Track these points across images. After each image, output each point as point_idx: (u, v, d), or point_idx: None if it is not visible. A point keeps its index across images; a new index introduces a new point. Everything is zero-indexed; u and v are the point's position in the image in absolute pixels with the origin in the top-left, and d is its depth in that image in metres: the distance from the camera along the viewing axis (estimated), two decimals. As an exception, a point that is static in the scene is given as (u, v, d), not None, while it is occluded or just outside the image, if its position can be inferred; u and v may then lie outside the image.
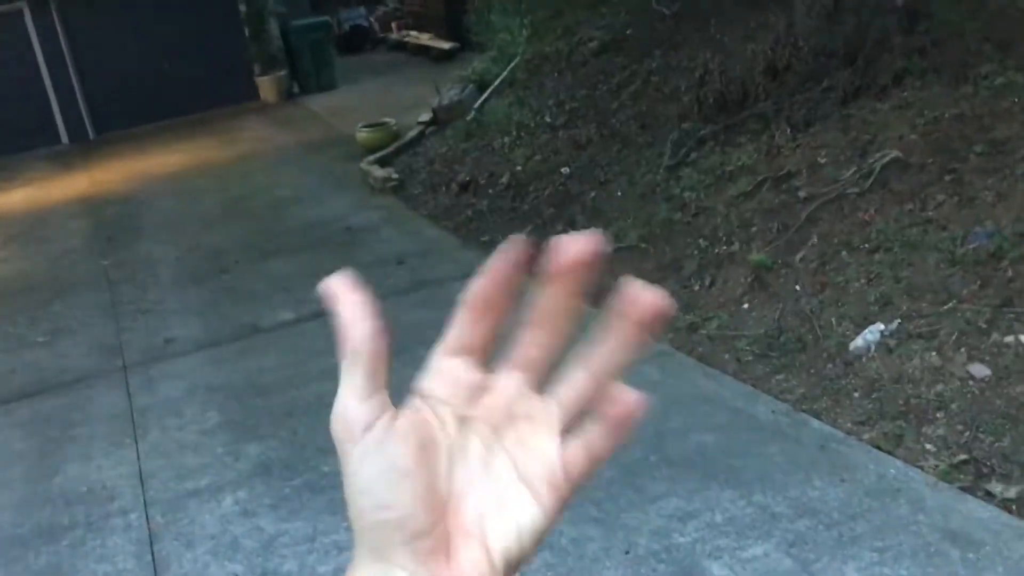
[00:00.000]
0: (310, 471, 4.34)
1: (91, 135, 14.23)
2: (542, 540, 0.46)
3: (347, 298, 0.47)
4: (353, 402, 0.46)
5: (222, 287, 7.19)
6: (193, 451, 4.81)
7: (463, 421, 0.47)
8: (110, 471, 4.76)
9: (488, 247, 7.20)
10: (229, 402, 5.30)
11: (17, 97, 13.69)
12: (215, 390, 5.48)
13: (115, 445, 5.01)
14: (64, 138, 14.16)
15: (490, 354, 0.47)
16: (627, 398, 0.46)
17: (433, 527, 0.44)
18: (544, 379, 0.47)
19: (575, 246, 0.44)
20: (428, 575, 0.44)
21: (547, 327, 0.46)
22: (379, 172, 9.21)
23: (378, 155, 9.75)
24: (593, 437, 0.46)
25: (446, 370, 0.48)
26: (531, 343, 0.47)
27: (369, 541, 0.44)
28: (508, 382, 0.47)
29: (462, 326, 0.48)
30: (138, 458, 4.83)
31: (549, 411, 0.47)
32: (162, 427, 5.11)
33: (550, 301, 0.46)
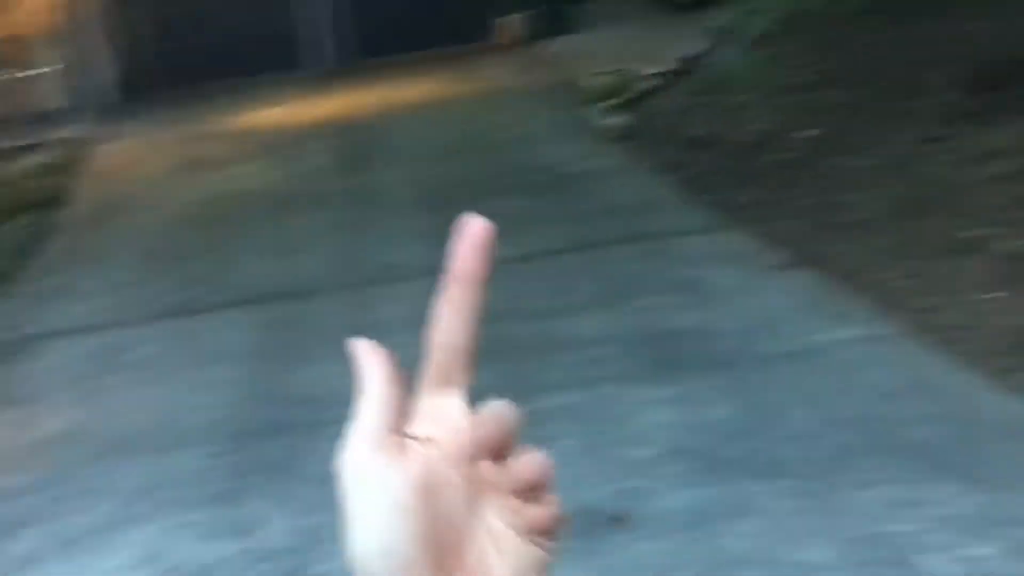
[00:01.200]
0: (524, 406, 4.40)
1: (345, 62, 14.86)
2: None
3: (368, 354, 0.49)
4: (363, 445, 0.46)
5: (446, 220, 7.37)
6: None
7: (471, 460, 0.47)
8: (333, 380, 5.03)
9: (713, 206, 7.04)
10: (445, 329, 5.47)
11: (280, 19, 14.49)
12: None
13: (339, 357, 5.27)
14: (319, 62, 14.89)
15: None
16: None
17: (437, 569, 0.44)
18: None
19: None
20: None
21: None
22: (608, 121, 9.16)
23: (609, 103, 9.69)
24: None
25: (441, 411, 0.48)
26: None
27: None
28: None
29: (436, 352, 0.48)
30: (360, 371, 5.08)
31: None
32: (381, 344, 5.34)
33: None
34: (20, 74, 11.19)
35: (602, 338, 5.04)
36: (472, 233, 0.48)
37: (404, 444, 0.46)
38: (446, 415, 0.48)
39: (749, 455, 3.90)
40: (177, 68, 14.21)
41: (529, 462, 0.47)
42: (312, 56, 15.02)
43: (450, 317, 0.48)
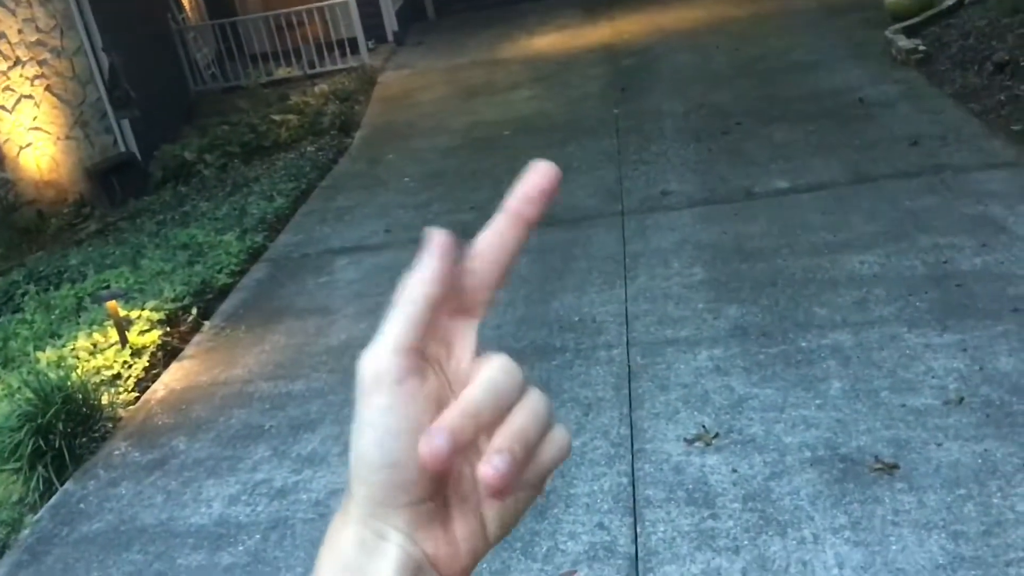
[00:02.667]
0: (787, 343, 4.28)
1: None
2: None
3: (438, 253, 0.44)
4: (389, 351, 0.43)
5: (721, 147, 7.19)
6: (676, 302, 4.97)
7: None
8: (600, 307, 5.10)
9: (1018, 138, 6.39)
10: (715, 261, 5.37)
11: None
12: (703, 247, 5.57)
13: (607, 284, 5.33)
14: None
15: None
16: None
17: (435, 493, 0.44)
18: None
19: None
20: (422, 539, 0.44)
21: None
22: (904, 42, 8.50)
23: (906, 23, 8.98)
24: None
25: (453, 338, 0.47)
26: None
27: (369, 495, 0.44)
28: None
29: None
30: (626, 299, 5.11)
31: None
32: (650, 274, 5.34)
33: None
34: (317, 5, 11.94)
35: (881, 277, 4.76)
36: (539, 176, 0.46)
37: (423, 364, 0.44)
38: (455, 345, 0.46)
39: (1041, 412, 3.58)
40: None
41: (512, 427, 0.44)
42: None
43: (492, 248, 0.46)
